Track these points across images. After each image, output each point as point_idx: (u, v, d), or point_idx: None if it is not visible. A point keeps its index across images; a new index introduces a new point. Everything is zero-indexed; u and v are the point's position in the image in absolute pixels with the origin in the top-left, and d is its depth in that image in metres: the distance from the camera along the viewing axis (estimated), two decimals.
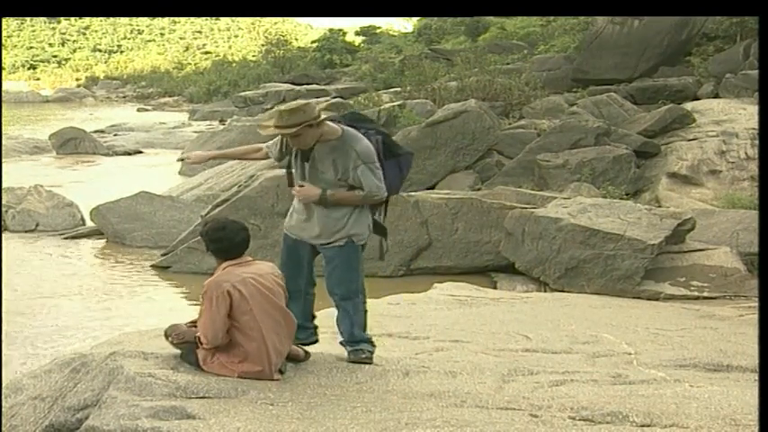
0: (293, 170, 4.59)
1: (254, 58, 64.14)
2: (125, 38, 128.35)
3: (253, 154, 4.88)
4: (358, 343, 4.64)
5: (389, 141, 4.59)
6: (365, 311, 4.69)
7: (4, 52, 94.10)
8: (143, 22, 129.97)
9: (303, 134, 4.34)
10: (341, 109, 17.83)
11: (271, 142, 4.75)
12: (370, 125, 4.63)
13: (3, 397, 4.46)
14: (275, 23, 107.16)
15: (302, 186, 4.48)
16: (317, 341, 4.78)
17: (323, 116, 4.38)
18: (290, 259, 4.66)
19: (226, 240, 4.25)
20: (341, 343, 4.71)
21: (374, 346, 4.71)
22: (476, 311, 6.56)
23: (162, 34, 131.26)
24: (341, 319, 4.68)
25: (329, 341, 4.97)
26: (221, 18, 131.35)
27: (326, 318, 5.04)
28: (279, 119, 4.36)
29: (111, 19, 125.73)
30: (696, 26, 21.27)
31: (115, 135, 29.08)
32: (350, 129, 4.47)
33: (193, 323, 4.33)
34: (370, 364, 4.55)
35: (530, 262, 9.25)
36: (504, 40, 33.64)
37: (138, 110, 49.05)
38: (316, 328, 4.83)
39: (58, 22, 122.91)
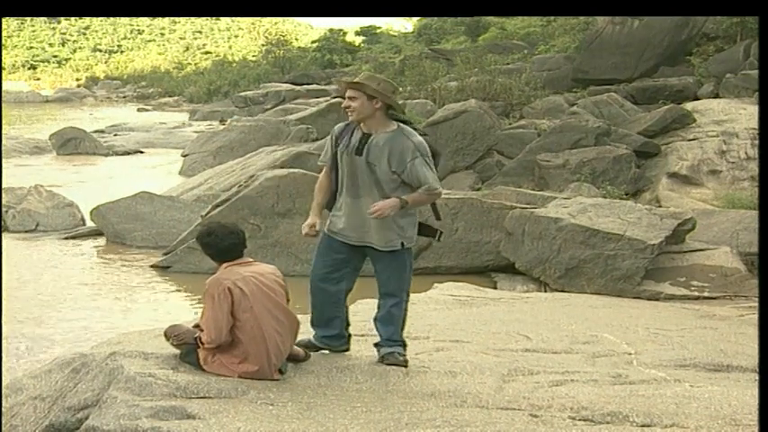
0: (340, 167, 4.44)
1: (254, 58, 64.23)
2: (125, 38, 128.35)
3: (327, 183, 4.59)
4: (394, 345, 4.53)
5: (430, 142, 4.52)
6: (406, 313, 4.61)
7: (4, 52, 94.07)
8: (143, 22, 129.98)
9: (359, 100, 4.29)
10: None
11: (322, 156, 4.67)
12: (413, 126, 4.52)
13: (3, 397, 4.46)
14: (275, 23, 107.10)
15: (375, 207, 4.26)
16: (347, 349, 4.70)
17: (387, 100, 4.30)
18: (335, 261, 4.49)
19: (213, 246, 4.27)
20: (375, 344, 4.60)
21: (406, 346, 4.62)
22: (476, 311, 6.56)
23: (162, 34, 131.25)
24: (384, 320, 4.54)
25: None
26: (221, 18, 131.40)
27: None
28: (357, 77, 4.42)
29: (111, 19, 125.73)
30: (696, 26, 21.28)
31: (115, 135, 29.07)
32: (404, 124, 4.42)
33: (198, 325, 4.33)
34: (405, 366, 4.46)
35: (530, 262, 9.25)
36: (504, 40, 33.69)
37: (138, 110, 49.03)
38: (350, 336, 4.73)
39: (58, 22, 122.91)
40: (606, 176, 13.05)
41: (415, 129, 4.48)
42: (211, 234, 4.29)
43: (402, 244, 4.42)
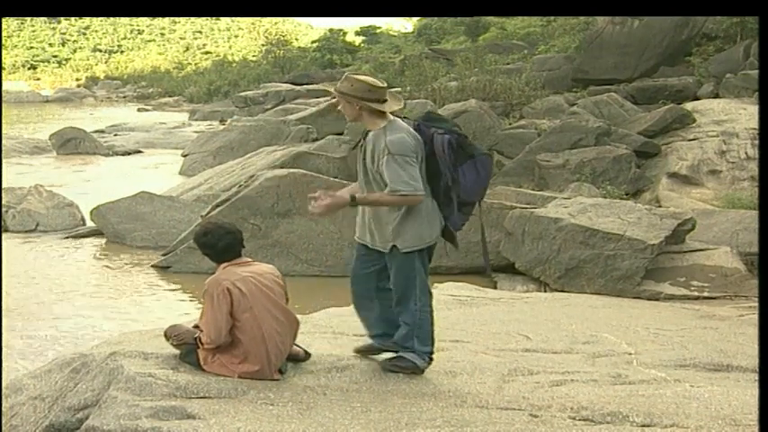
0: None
1: (254, 58, 64.34)
2: (125, 38, 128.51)
3: None
4: (404, 350, 4.39)
5: (464, 143, 4.24)
6: (425, 320, 4.37)
7: (4, 52, 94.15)
8: (143, 22, 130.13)
9: (342, 103, 4.28)
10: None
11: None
12: (443, 125, 4.30)
13: (3, 397, 4.46)
14: (275, 23, 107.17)
15: (321, 198, 4.13)
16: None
17: (360, 102, 4.20)
18: (362, 259, 4.44)
19: (210, 246, 4.27)
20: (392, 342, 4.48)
21: (424, 360, 4.37)
22: (476, 311, 6.56)
23: (162, 34, 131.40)
24: (401, 325, 4.42)
25: (329, 341, 4.97)
26: (221, 18, 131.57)
27: (326, 317, 5.04)
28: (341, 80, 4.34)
29: (111, 19, 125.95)
30: (696, 26, 21.29)
31: (115, 135, 29.08)
32: (399, 120, 4.25)
33: (198, 325, 4.33)
34: (395, 372, 4.35)
35: (530, 262, 9.25)
36: (504, 40, 33.74)
37: (139, 110, 49.05)
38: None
39: (58, 22, 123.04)
40: (606, 176, 13.06)
41: (435, 126, 4.26)
42: (208, 234, 4.29)
43: (393, 247, 4.24)
